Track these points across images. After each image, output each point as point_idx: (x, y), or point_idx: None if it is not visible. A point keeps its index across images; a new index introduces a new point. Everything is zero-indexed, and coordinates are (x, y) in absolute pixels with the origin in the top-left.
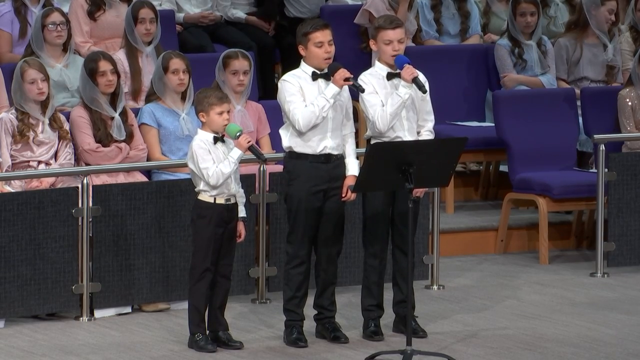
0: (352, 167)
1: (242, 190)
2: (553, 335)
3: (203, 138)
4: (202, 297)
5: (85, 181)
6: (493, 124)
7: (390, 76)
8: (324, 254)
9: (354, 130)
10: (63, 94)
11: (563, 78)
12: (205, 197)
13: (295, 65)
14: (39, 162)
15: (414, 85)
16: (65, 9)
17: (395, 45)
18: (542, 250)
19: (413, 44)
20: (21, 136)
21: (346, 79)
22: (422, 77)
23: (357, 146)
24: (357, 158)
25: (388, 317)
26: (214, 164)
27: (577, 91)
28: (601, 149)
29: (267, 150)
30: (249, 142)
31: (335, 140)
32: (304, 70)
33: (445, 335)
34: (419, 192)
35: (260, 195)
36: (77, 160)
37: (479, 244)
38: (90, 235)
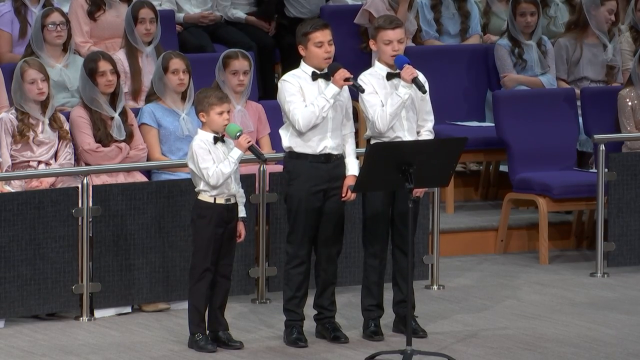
0: (352, 167)
1: (242, 190)
2: (553, 335)
3: (203, 138)
4: (202, 297)
5: (85, 181)
6: (493, 124)
7: (390, 76)
8: (324, 254)
9: (354, 130)
10: (63, 94)
11: (563, 78)
12: (205, 197)
13: (295, 65)
14: (39, 162)
15: (413, 85)
16: (65, 9)
17: (395, 45)
18: (542, 250)
19: (413, 44)
20: (21, 136)
21: (346, 79)
22: (421, 77)
23: (357, 146)
24: (357, 158)
25: (388, 317)
26: (214, 164)
27: (577, 91)
28: (601, 149)
29: (267, 150)
30: (249, 142)
31: (335, 140)
32: (304, 70)
33: (445, 335)
34: (418, 192)
35: (260, 195)
36: (77, 160)
37: (479, 244)
38: (90, 235)
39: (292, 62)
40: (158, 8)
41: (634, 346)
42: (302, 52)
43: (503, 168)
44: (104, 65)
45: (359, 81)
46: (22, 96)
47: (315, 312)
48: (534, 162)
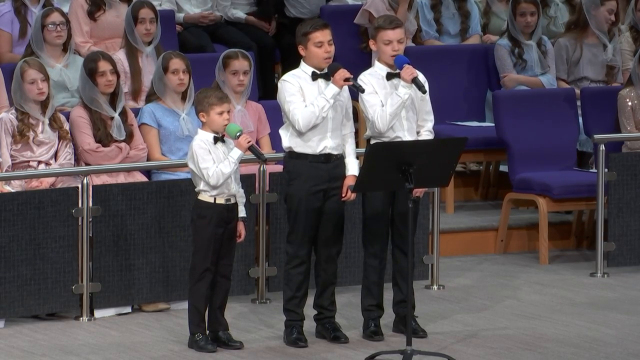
0: (352, 167)
1: (242, 190)
2: (553, 335)
3: (203, 138)
4: (202, 297)
5: (85, 181)
6: (493, 124)
7: (389, 76)
8: (324, 254)
9: (354, 130)
10: (63, 94)
11: (563, 78)
12: (205, 197)
13: (295, 65)
14: (39, 162)
15: (413, 85)
16: (65, 9)
17: (395, 45)
18: (542, 250)
19: (413, 44)
20: (21, 136)
21: (346, 79)
22: (421, 77)
23: (357, 146)
24: (357, 158)
25: (388, 317)
26: (214, 164)
27: (577, 91)
28: (601, 149)
29: (267, 150)
30: (249, 142)
31: (335, 140)
32: (304, 70)
33: (445, 335)
34: (418, 192)
35: (260, 195)
36: (77, 160)
37: (479, 244)
38: (90, 235)
39: (292, 62)
40: (158, 8)
41: (634, 346)
42: (302, 52)
43: (503, 168)
44: (103, 65)
45: (359, 81)
46: (22, 96)
47: (315, 312)
48: (534, 162)
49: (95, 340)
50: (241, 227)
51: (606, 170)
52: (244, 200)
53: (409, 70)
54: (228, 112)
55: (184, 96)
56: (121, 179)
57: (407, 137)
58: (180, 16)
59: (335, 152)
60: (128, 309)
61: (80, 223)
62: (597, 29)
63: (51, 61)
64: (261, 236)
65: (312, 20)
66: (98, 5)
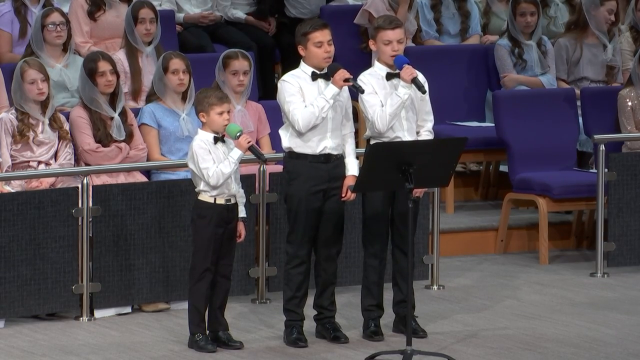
0: (352, 167)
1: (242, 191)
2: (553, 335)
3: (203, 138)
4: (202, 297)
5: (85, 181)
6: (493, 124)
7: (389, 76)
8: (324, 254)
9: (354, 130)
10: (63, 94)
11: (563, 78)
12: (205, 197)
13: (295, 65)
14: (39, 162)
15: (413, 85)
16: (65, 9)
17: (395, 45)
18: (542, 250)
19: (413, 44)
20: (21, 136)
21: (346, 80)
22: (421, 77)
23: (357, 146)
24: (357, 158)
25: (388, 317)
26: (214, 164)
27: (577, 91)
28: (601, 149)
29: (267, 150)
30: (249, 142)
31: (335, 141)
32: (304, 70)
33: (445, 335)
34: (418, 192)
35: (260, 195)
36: (77, 160)
37: (479, 244)
38: (90, 235)
39: (292, 62)
40: (158, 8)
41: (634, 346)
42: (301, 52)
43: (503, 168)
44: (103, 66)
45: (359, 81)
46: (22, 96)
47: (315, 312)
48: (534, 162)
49: (95, 340)
50: (241, 227)
51: (606, 170)
52: (244, 200)
53: (408, 71)
54: (228, 112)
55: (184, 96)
56: (121, 179)
57: (407, 137)
58: (180, 16)
59: (335, 152)
60: (128, 309)
61: (80, 223)
62: (597, 29)
63: (51, 61)
64: (261, 236)
65: (312, 20)
66: (98, 5)
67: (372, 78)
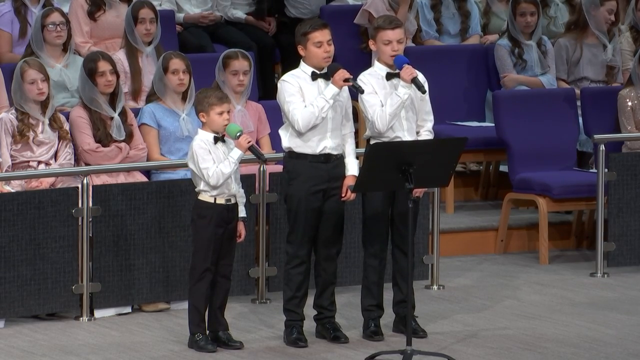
0: (352, 167)
1: (242, 191)
2: (553, 335)
3: (203, 138)
4: (202, 297)
5: (85, 181)
6: (493, 124)
7: (389, 76)
8: (324, 253)
9: (354, 130)
10: (63, 94)
11: (563, 78)
12: (205, 197)
13: (295, 65)
14: (39, 162)
15: (413, 85)
16: (65, 9)
17: (395, 45)
18: (542, 250)
19: (413, 44)
20: (21, 136)
21: (345, 80)
22: (421, 77)
23: (357, 146)
24: (357, 158)
25: (388, 317)
26: (214, 164)
27: (577, 91)
28: (601, 149)
29: (267, 150)
30: (249, 142)
31: (335, 140)
32: (304, 70)
33: (445, 335)
34: (418, 192)
35: (260, 195)
36: (77, 160)
37: (479, 244)
38: (90, 235)
39: (292, 62)
40: (158, 8)
41: (634, 346)
42: (301, 52)
43: (503, 168)
44: (103, 66)
45: (359, 82)
46: (22, 96)
47: (315, 312)
48: (534, 162)
49: (95, 340)
50: (241, 227)
51: (606, 170)
52: (244, 200)
53: (408, 71)
54: (228, 112)
55: (184, 96)
56: (121, 179)
57: (407, 137)
58: (180, 16)
59: (335, 152)
60: (128, 309)
61: (80, 223)
62: (597, 29)
63: (51, 61)
64: (261, 236)
65: (311, 20)
66: (98, 5)
67: (372, 78)
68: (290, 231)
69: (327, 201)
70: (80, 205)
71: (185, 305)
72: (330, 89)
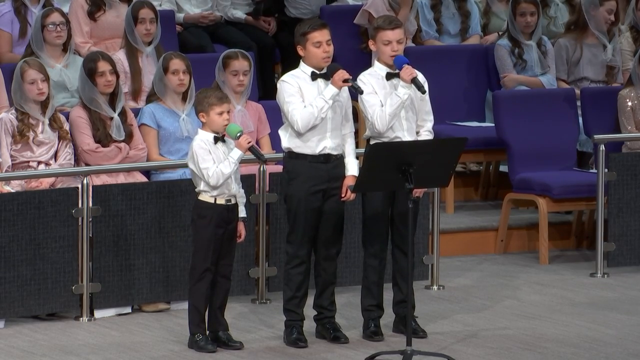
0: (352, 167)
1: (242, 191)
2: (553, 335)
3: (203, 138)
4: (202, 297)
5: (85, 181)
6: (493, 124)
7: (389, 76)
8: (324, 254)
9: (354, 130)
10: (63, 94)
11: (563, 78)
12: (205, 197)
13: (295, 65)
14: (39, 163)
15: (413, 85)
16: (65, 9)
17: (394, 45)
18: (542, 250)
19: (413, 44)
20: (21, 136)
21: (345, 80)
22: (421, 77)
23: (357, 146)
24: (357, 158)
25: (388, 317)
26: (214, 164)
27: (577, 91)
28: (601, 149)
29: (267, 150)
30: (249, 142)
31: (335, 141)
32: (303, 70)
33: (445, 335)
34: (418, 192)
35: (260, 195)
36: (77, 160)
37: (479, 244)
38: (90, 235)
39: (292, 62)
40: (158, 8)
41: (634, 346)
42: (300, 53)
43: (503, 168)
44: (103, 66)
45: (359, 82)
46: (22, 96)
47: (315, 312)
48: (534, 162)
49: (95, 340)
50: (241, 228)
51: (606, 170)
52: (244, 200)
53: (408, 71)
54: (228, 112)
55: (184, 97)
56: (121, 179)
57: (407, 137)
58: (180, 16)
59: (334, 152)
60: (128, 309)
61: (80, 223)
62: (596, 29)
63: (51, 61)
64: (261, 236)
65: (311, 20)
66: (98, 5)
67: (372, 78)
68: (290, 231)
69: (327, 201)
70: (80, 205)
71: (185, 305)
72: (330, 90)
